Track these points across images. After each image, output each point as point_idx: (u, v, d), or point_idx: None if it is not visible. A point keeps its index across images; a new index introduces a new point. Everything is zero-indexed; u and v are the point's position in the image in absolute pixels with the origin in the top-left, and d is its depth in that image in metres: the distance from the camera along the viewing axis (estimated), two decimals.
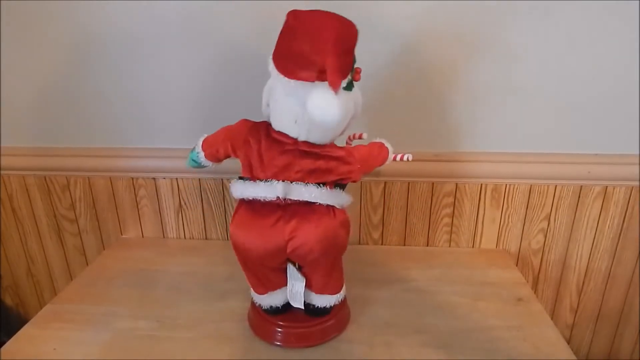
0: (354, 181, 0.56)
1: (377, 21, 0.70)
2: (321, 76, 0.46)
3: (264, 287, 0.59)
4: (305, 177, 0.51)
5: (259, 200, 0.51)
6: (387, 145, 0.61)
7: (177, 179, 0.83)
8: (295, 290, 0.58)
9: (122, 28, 0.74)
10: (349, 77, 0.50)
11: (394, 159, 0.62)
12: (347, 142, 0.62)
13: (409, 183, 0.80)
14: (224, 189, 0.83)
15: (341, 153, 0.53)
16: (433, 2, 0.69)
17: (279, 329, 0.59)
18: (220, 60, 0.75)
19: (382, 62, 0.73)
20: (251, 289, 0.60)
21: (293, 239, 0.51)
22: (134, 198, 0.85)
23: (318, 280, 0.57)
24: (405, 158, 0.61)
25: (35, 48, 0.77)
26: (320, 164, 0.51)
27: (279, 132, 0.52)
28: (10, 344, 0.60)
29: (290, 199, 0.51)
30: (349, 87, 0.50)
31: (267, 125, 0.53)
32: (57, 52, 0.77)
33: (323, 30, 0.46)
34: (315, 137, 0.51)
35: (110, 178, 0.84)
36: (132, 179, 0.84)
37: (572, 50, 0.71)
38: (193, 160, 0.59)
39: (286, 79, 0.48)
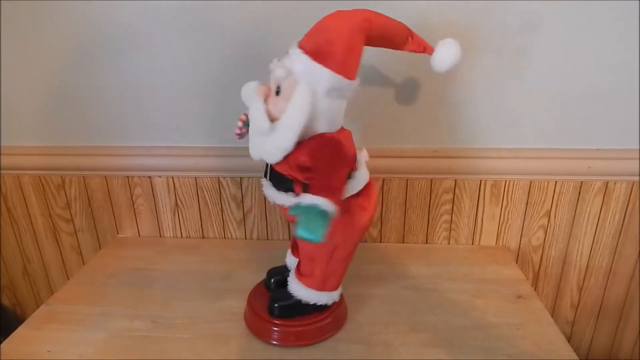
0: None
1: None
2: None
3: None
4: None
5: None
6: None
7: (173, 177, 0.82)
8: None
9: (118, 25, 0.73)
10: None
11: None
12: None
13: (407, 180, 0.79)
14: (220, 187, 0.82)
15: None
16: None
17: (276, 328, 0.58)
18: (218, 57, 0.74)
19: (380, 58, 0.72)
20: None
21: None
22: (130, 197, 0.84)
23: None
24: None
25: (28, 47, 0.76)
26: None
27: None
28: (4, 345, 0.59)
29: None
30: None
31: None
32: (51, 51, 0.76)
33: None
34: None
35: (105, 177, 0.83)
36: (128, 177, 0.83)
37: (572, 45, 0.70)
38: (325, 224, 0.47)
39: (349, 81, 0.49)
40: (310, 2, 0.69)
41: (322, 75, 0.47)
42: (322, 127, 0.49)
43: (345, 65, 0.48)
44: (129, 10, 0.72)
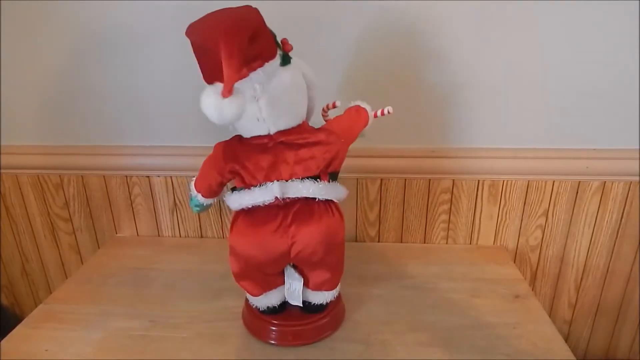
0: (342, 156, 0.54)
1: (372, 14, 0.69)
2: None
3: (260, 288, 0.58)
4: (295, 170, 0.50)
5: (259, 205, 0.50)
6: (364, 105, 0.58)
7: (171, 176, 0.82)
8: (293, 289, 0.58)
9: (117, 25, 0.73)
10: (280, 51, 0.48)
11: (375, 116, 0.59)
12: (322, 114, 0.59)
13: (405, 179, 0.79)
14: None
15: (320, 136, 0.51)
16: None
17: (274, 328, 0.58)
18: None
19: (378, 57, 0.72)
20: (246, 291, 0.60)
21: (295, 244, 0.51)
22: (129, 196, 0.84)
23: (316, 278, 0.57)
24: (385, 112, 0.58)
25: (28, 46, 0.76)
26: (303, 153, 0.50)
27: (251, 137, 0.51)
28: (3, 344, 0.59)
29: (289, 198, 0.50)
30: (285, 61, 0.48)
31: (237, 137, 0.53)
32: (50, 51, 0.76)
33: (210, 32, 0.44)
34: (284, 123, 0.50)
35: (104, 176, 0.83)
36: (126, 177, 0.83)
37: (570, 45, 0.70)
38: (196, 206, 0.59)
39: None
40: (310, 2, 0.69)
41: None
42: None
43: None
44: (128, 10, 0.72)
